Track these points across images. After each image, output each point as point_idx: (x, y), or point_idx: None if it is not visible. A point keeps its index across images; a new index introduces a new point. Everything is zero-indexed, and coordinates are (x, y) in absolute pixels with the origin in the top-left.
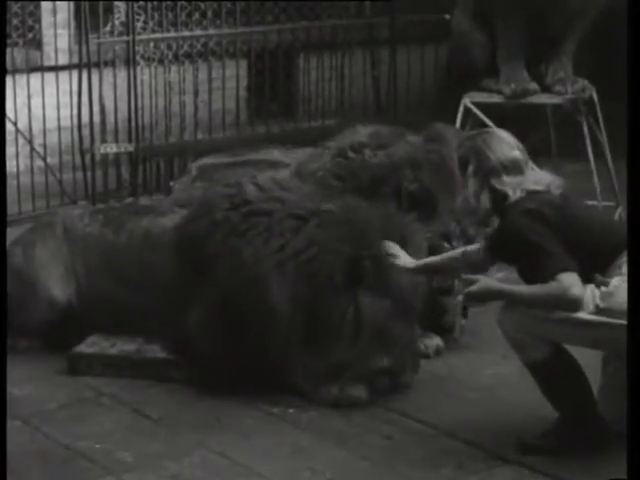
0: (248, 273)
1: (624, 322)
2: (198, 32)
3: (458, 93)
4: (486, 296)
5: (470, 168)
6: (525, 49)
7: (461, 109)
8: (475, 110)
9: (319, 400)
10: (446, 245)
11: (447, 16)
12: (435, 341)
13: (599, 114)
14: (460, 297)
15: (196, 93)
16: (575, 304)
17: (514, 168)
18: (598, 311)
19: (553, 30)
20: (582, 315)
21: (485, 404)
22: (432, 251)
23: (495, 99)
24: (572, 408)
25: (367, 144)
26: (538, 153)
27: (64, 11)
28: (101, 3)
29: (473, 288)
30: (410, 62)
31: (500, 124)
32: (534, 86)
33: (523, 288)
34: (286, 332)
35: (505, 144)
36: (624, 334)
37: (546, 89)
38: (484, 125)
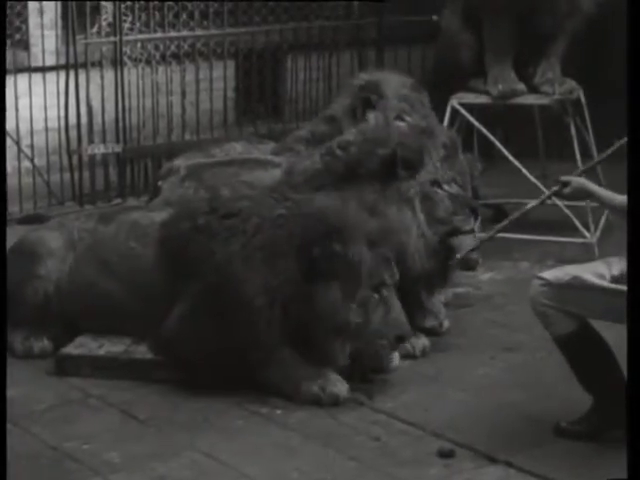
0: (222, 272)
1: None
2: (185, 33)
3: (446, 94)
4: (580, 195)
5: None
6: (513, 50)
7: (449, 110)
8: (462, 111)
9: (300, 399)
10: (438, 190)
11: (434, 17)
12: (422, 341)
13: (586, 115)
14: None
15: (183, 94)
16: None
17: None
18: (613, 280)
19: (541, 31)
20: (606, 283)
21: (473, 404)
22: (426, 198)
23: (483, 100)
24: (602, 388)
25: (354, 142)
26: (525, 153)
27: (51, 12)
28: (88, 4)
29: (567, 189)
30: (398, 63)
31: (488, 125)
32: (522, 87)
33: (615, 195)
34: (264, 329)
35: None
36: None
37: (534, 90)
38: (472, 126)
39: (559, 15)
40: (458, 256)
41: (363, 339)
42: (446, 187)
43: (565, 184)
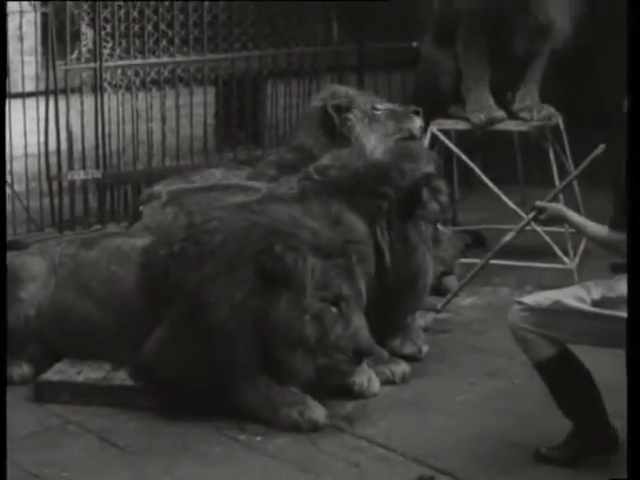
0: (195, 297)
1: (620, 314)
2: (165, 59)
3: (425, 120)
4: (556, 221)
5: None
6: (490, 76)
7: (428, 136)
8: (442, 137)
9: (279, 425)
10: (441, 230)
11: (414, 44)
12: (402, 367)
13: (565, 141)
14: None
15: (164, 120)
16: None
17: None
18: (594, 304)
19: (517, 57)
20: (587, 307)
21: (453, 430)
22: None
23: (462, 126)
24: (581, 413)
25: (331, 166)
26: (505, 179)
27: (31, 38)
28: (68, 30)
29: (543, 216)
30: (378, 89)
31: (467, 151)
32: (501, 114)
33: (588, 223)
34: (239, 352)
35: None
36: (622, 327)
37: (513, 116)
38: (451, 152)
39: (534, 42)
40: (439, 307)
41: (323, 353)
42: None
43: (541, 210)
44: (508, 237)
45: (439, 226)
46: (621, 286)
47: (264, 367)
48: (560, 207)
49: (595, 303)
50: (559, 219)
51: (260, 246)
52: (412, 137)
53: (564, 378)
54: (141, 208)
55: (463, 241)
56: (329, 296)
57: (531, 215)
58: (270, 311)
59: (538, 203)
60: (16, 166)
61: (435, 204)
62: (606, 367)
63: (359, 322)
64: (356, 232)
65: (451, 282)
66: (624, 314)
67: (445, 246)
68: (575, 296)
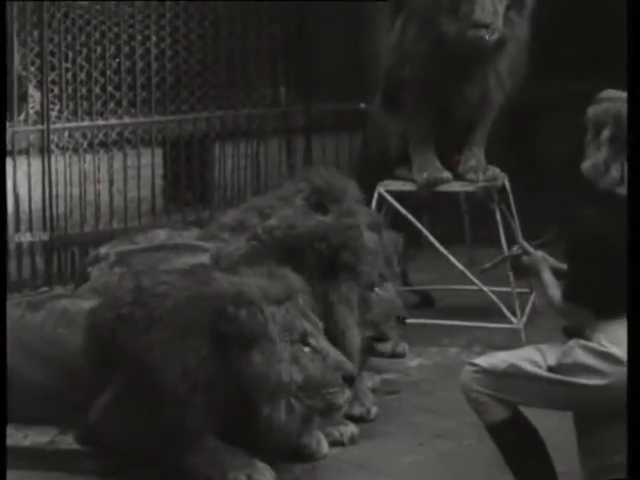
0: (143, 361)
1: (577, 380)
2: (113, 121)
3: (372, 181)
4: (528, 271)
5: (606, 133)
6: (436, 138)
7: (375, 197)
8: (389, 198)
9: None
10: (374, 293)
11: (362, 105)
12: (350, 428)
13: (511, 201)
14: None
15: (111, 182)
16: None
17: None
18: (550, 369)
19: (456, 120)
20: (543, 372)
21: None
22: (361, 300)
23: (409, 187)
24: (532, 475)
25: (278, 227)
26: (452, 239)
27: None
28: (15, 91)
29: (526, 258)
30: (325, 150)
31: (414, 212)
32: (447, 175)
33: (553, 286)
34: (188, 416)
35: None
36: (579, 393)
37: (459, 177)
38: (399, 213)
39: (471, 106)
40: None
41: (311, 395)
42: (378, 291)
43: (526, 252)
44: (494, 261)
45: (379, 289)
46: (576, 353)
47: (213, 431)
48: (541, 260)
49: (551, 369)
50: (532, 271)
51: (213, 315)
52: None
53: (516, 440)
54: (89, 269)
55: (402, 305)
56: (296, 337)
57: (514, 250)
58: (245, 371)
59: (524, 244)
60: None
61: (367, 267)
62: (555, 429)
63: (333, 350)
64: (295, 284)
65: (386, 347)
66: (581, 380)
67: (376, 311)
68: (530, 360)
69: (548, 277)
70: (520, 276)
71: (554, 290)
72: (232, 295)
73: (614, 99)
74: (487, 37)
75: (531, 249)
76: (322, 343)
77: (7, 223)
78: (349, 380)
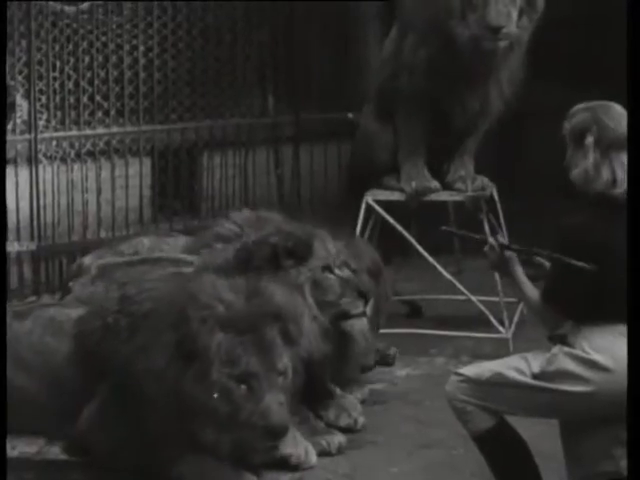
0: (127, 369)
1: (561, 387)
2: (101, 130)
3: (360, 191)
4: (504, 265)
5: (590, 138)
6: (426, 147)
7: (363, 206)
8: (377, 208)
9: None
10: (329, 275)
11: (350, 115)
12: (338, 438)
13: (499, 211)
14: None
15: (99, 191)
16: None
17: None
18: (534, 377)
19: (452, 129)
20: (528, 380)
21: None
22: (316, 284)
23: (397, 197)
24: None
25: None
26: (440, 249)
27: None
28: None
29: (493, 254)
30: (313, 160)
31: (403, 221)
32: (435, 184)
33: (529, 285)
34: (172, 426)
35: (624, 118)
36: (563, 400)
37: (447, 187)
38: (386, 223)
39: (470, 115)
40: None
41: (235, 429)
42: (337, 272)
43: (503, 247)
44: (465, 232)
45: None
46: (560, 360)
47: (198, 440)
48: (514, 258)
49: (535, 376)
50: (508, 266)
51: (179, 313)
52: None
53: (502, 449)
54: (70, 284)
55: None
56: (235, 373)
57: (491, 240)
58: (181, 381)
59: (504, 240)
60: None
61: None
62: (541, 437)
63: (271, 399)
64: (276, 305)
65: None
66: (565, 387)
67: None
68: (515, 368)
69: (523, 276)
70: (493, 268)
71: (530, 289)
72: (200, 304)
73: (589, 108)
74: (500, 43)
75: (511, 248)
76: (263, 387)
77: (7, 232)
78: (272, 433)
